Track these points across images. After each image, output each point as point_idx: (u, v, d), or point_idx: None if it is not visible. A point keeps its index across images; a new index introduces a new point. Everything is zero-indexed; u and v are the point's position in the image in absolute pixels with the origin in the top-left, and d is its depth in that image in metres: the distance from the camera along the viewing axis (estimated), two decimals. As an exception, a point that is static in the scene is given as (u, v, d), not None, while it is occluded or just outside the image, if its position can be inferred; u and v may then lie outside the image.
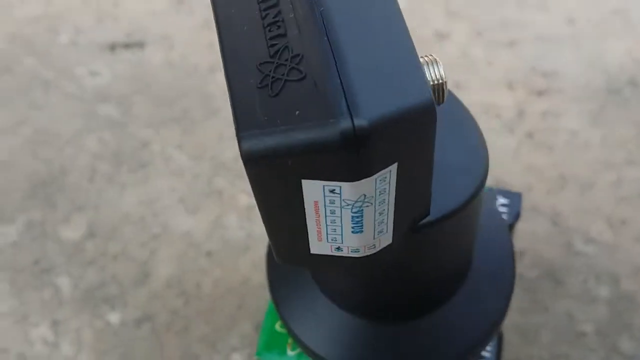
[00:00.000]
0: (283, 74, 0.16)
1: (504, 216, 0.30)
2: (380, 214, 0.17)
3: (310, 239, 0.18)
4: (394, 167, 0.16)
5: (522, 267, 0.39)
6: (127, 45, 0.50)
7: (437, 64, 0.18)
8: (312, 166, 0.16)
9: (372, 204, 0.17)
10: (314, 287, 0.25)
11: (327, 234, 0.18)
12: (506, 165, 0.42)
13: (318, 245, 0.19)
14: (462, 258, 0.25)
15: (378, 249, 0.19)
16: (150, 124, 0.46)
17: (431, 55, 0.18)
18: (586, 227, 0.40)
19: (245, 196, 0.42)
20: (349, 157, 0.15)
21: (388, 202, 0.17)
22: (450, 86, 0.47)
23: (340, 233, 0.18)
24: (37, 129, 0.46)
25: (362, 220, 0.17)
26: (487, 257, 0.26)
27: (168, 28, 0.50)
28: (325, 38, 0.16)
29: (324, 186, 0.16)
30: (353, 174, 0.16)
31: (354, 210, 0.17)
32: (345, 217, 0.17)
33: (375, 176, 0.16)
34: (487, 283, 0.26)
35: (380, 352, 0.25)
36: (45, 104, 0.47)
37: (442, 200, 0.20)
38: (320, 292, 0.25)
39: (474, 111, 0.23)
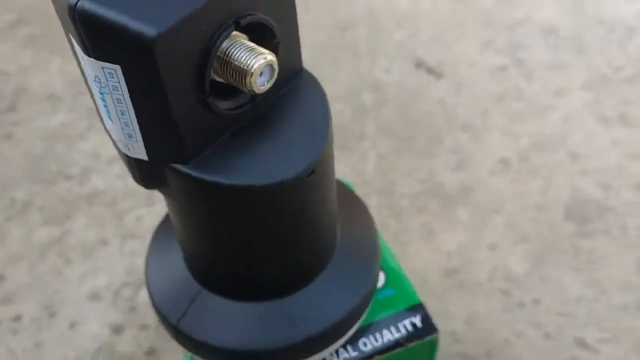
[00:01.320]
0: None
1: (403, 329, 0.28)
2: (122, 113, 0.19)
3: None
4: (117, 70, 0.18)
5: None
6: (430, 70, 0.52)
7: (259, 55, 0.19)
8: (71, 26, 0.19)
9: (109, 93, 0.19)
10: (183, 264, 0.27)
11: (97, 104, 0.20)
12: None
13: (105, 122, 0.21)
14: (309, 239, 0.24)
15: (133, 155, 0.21)
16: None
17: (268, 52, 0.19)
18: None
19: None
20: (74, 26, 0.18)
21: (126, 104, 0.19)
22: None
23: (102, 112, 0.20)
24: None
25: (107, 105, 0.19)
26: (352, 242, 0.26)
27: (465, 69, 0.51)
28: None
29: (79, 47, 0.19)
30: (81, 46, 0.18)
31: (96, 86, 0.19)
32: (97, 92, 0.19)
33: (100, 64, 0.18)
34: (351, 267, 0.26)
35: (242, 330, 0.25)
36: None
37: (254, 173, 0.21)
38: (185, 266, 0.26)
39: None
